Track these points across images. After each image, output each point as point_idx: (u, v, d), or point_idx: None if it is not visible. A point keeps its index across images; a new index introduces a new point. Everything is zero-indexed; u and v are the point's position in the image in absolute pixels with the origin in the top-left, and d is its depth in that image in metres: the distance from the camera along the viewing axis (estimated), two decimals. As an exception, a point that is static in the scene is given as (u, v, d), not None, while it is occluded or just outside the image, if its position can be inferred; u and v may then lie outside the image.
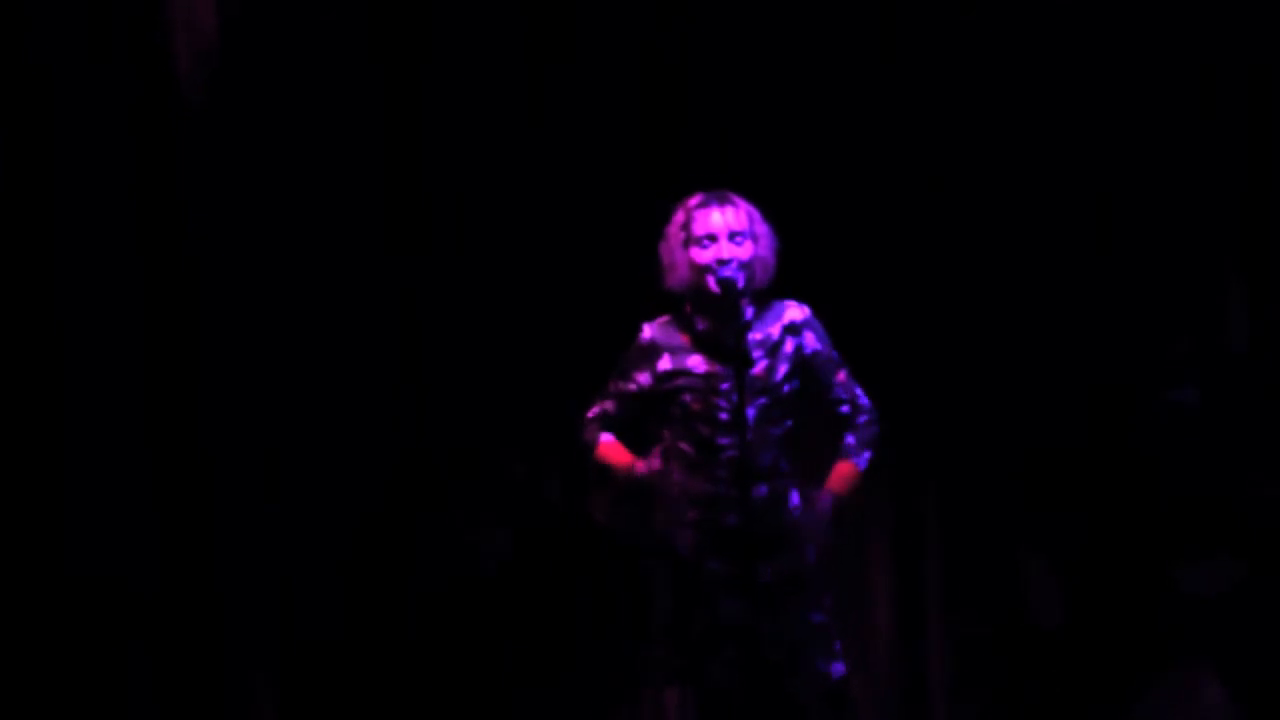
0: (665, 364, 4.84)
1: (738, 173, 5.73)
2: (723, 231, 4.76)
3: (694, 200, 4.83)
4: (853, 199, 6.19)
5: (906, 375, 6.11)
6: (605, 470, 4.92)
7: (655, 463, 4.86)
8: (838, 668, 4.84)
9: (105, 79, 5.48)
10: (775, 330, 4.84)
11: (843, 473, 4.88)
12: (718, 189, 4.84)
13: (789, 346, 4.84)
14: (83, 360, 5.47)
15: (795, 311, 4.88)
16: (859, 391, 4.92)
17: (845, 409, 4.91)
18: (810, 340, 4.86)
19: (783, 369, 4.83)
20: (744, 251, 4.76)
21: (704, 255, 4.75)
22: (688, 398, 4.80)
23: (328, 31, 5.78)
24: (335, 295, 5.81)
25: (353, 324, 5.84)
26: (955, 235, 6.25)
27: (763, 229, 4.83)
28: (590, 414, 4.92)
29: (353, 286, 5.83)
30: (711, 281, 4.74)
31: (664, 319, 4.89)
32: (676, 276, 4.82)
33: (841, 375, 4.90)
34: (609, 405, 4.90)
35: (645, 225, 4.93)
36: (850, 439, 4.90)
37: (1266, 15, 6.23)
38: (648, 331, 4.88)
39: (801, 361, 4.85)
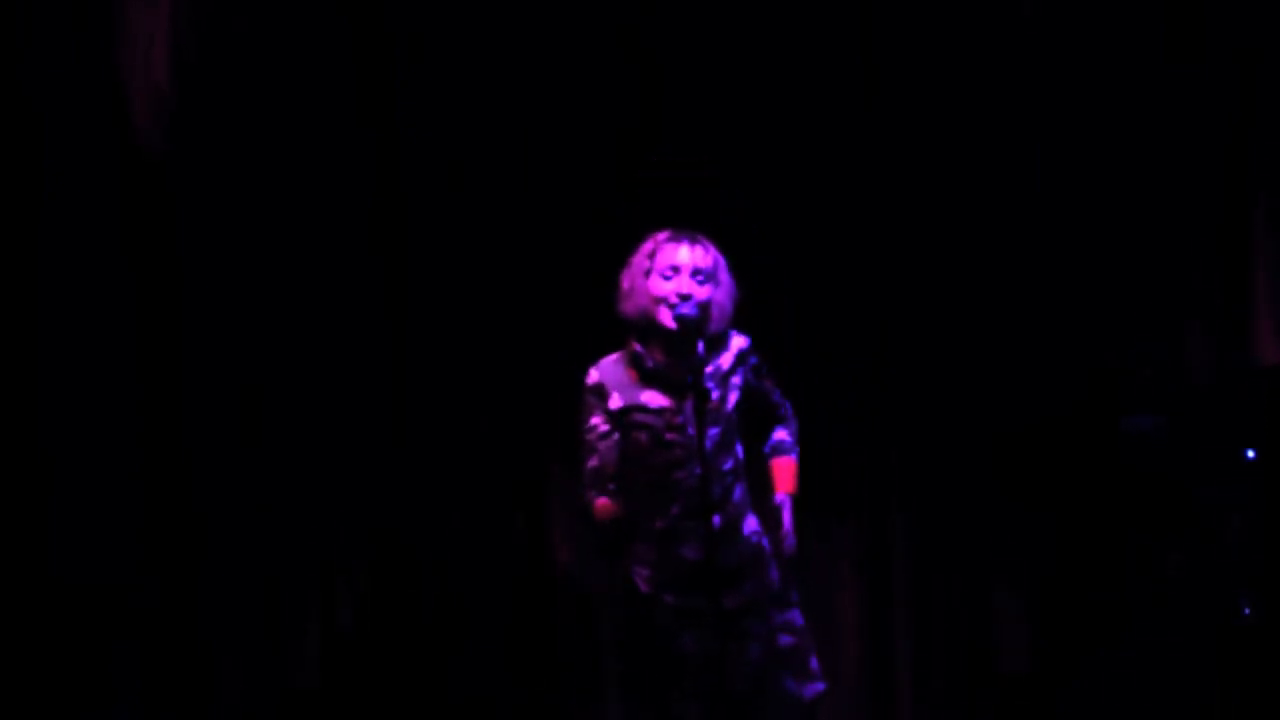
0: (616, 401, 4.82)
1: (713, 147, 5.96)
2: (686, 267, 4.78)
3: (664, 234, 4.85)
4: (829, 200, 6.26)
5: (874, 398, 6.22)
6: (604, 529, 4.84)
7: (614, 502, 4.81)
8: (810, 689, 4.82)
9: (88, 111, 5.56)
10: (726, 360, 4.87)
11: (789, 470, 4.93)
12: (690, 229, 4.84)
13: (738, 376, 4.87)
14: (71, 368, 5.49)
15: (740, 340, 4.90)
16: (778, 393, 5.00)
17: (781, 411, 5.02)
18: (753, 365, 4.90)
19: (733, 398, 4.85)
20: (703, 291, 4.77)
21: (663, 287, 4.77)
22: (642, 435, 4.80)
23: (300, 42, 5.82)
24: (322, 307, 5.83)
25: (341, 335, 5.85)
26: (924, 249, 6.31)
27: (725, 277, 4.84)
28: (585, 469, 4.83)
29: (339, 298, 5.85)
30: (665, 313, 4.75)
31: (610, 358, 4.87)
32: (633, 304, 4.82)
33: (770, 382, 4.97)
34: (593, 460, 4.82)
35: (624, 233, 4.98)
36: (785, 436, 4.98)
37: (1247, 24, 6.26)
38: (594, 374, 4.86)
39: (749, 387, 4.89)
